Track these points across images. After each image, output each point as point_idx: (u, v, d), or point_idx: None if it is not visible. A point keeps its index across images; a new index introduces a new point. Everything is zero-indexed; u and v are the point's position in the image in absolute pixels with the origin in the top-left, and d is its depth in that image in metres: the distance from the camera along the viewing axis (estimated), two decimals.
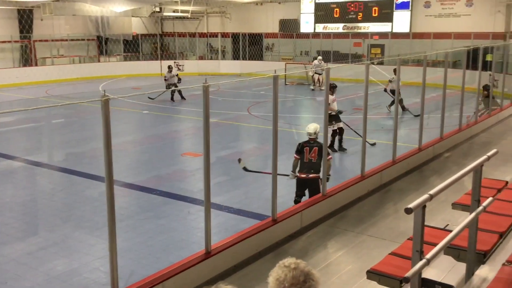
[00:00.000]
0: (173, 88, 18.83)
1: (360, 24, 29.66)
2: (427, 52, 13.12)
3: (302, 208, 7.50)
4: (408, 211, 3.42)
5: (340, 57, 29.43)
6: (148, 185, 9.99)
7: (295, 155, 8.22)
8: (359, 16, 29.56)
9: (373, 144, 12.96)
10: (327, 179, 7.92)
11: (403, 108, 17.02)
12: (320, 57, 25.98)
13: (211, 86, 5.80)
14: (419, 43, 26.07)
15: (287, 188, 9.32)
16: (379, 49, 29.38)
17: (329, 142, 10.92)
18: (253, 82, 24.31)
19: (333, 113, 12.41)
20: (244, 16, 33.42)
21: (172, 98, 20.99)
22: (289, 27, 31.75)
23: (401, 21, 28.26)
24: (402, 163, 10.03)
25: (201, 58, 34.26)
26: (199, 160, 11.32)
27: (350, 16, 29.86)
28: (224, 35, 34.52)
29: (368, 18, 29.25)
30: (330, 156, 8.01)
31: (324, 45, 30.35)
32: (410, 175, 10.05)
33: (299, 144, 8.25)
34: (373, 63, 18.77)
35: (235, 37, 33.62)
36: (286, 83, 26.86)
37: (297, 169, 8.26)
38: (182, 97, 21.20)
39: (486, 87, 15.37)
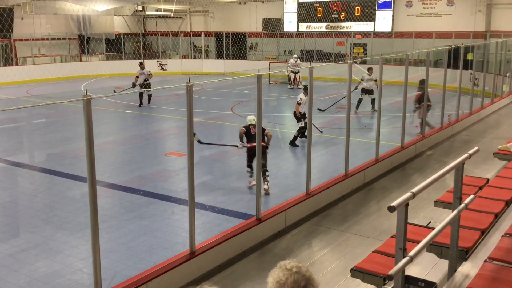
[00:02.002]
0: (142, 89, 18.04)
1: (343, 24, 29.83)
2: (409, 51, 13.20)
3: (286, 207, 7.52)
4: (391, 209, 3.44)
5: (323, 56, 29.56)
6: (131, 185, 9.92)
7: (242, 127, 9.70)
8: (342, 16, 29.75)
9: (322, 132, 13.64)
10: (267, 149, 9.29)
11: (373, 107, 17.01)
12: (295, 56, 25.93)
13: (195, 86, 5.79)
14: (401, 42, 26.29)
15: (272, 187, 9.34)
16: (362, 48, 29.56)
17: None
18: (237, 82, 24.29)
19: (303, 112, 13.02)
20: (227, 15, 33.37)
21: (140, 103, 19.16)
22: (273, 27, 31.79)
23: (383, 20, 28.48)
24: (385, 161, 10.11)
25: (184, 57, 34.14)
26: (182, 159, 11.27)
27: (333, 16, 30.03)
28: (208, 34, 34.44)
29: (350, 18, 29.45)
30: (267, 131, 9.33)
31: (307, 44, 30.46)
32: (393, 173, 10.13)
33: (245, 127, 9.68)
34: (356, 62, 18.92)
35: (218, 36, 33.55)
36: (270, 82, 26.88)
37: (244, 141, 9.69)
38: (149, 101, 19.51)
39: (422, 82, 13.10)
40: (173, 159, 11.98)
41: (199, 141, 10.06)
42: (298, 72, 24.47)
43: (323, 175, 9.76)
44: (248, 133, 9.63)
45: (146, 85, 18.91)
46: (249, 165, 9.67)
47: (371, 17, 28.84)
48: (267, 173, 9.24)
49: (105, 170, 10.68)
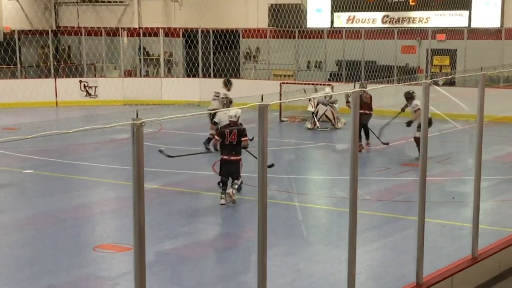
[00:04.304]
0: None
1: (413, 14, 30.25)
2: None
3: None
4: None
5: (377, 72, 29.81)
6: None
7: (216, 137, 14.81)
8: (411, 0, 30.08)
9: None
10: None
11: None
12: (327, 90, 26.06)
13: (147, 125, 5.93)
14: None
15: None
16: (447, 58, 29.78)
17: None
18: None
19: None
20: (205, 0, 33.69)
21: (209, 141, 19.92)
22: (287, 19, 32.08)
23: (484, 8, 28.85)
24: (489, 260, 10.19)
25: (128, 74, 34.44)
26: (125, 257, 11.35)
27: (395, 0, 30.36)
28: (171, 32, 34.78)
29: (426, 4, 29.75)
30: (246, 138, 14.12)
31: (350, 50, 30.69)
32: (504, 282, 10.20)
33: (220, 128, 14.53)
34: (437, 83, 19.09)
35: (190, 36, 33.90)
36: (282, 119, 27.05)
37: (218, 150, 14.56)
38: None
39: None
40: (108, 256, 12.08)
41: (169, 155, 13.65)
42: (331, 104, 24.87)
43: (378, 285, 9.83)
44: (222, 142, 14.22)
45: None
46: (223, 180, 14.38)
47: (463, 4, 29.19)
48: (235, 181, 14.31)
49: None
